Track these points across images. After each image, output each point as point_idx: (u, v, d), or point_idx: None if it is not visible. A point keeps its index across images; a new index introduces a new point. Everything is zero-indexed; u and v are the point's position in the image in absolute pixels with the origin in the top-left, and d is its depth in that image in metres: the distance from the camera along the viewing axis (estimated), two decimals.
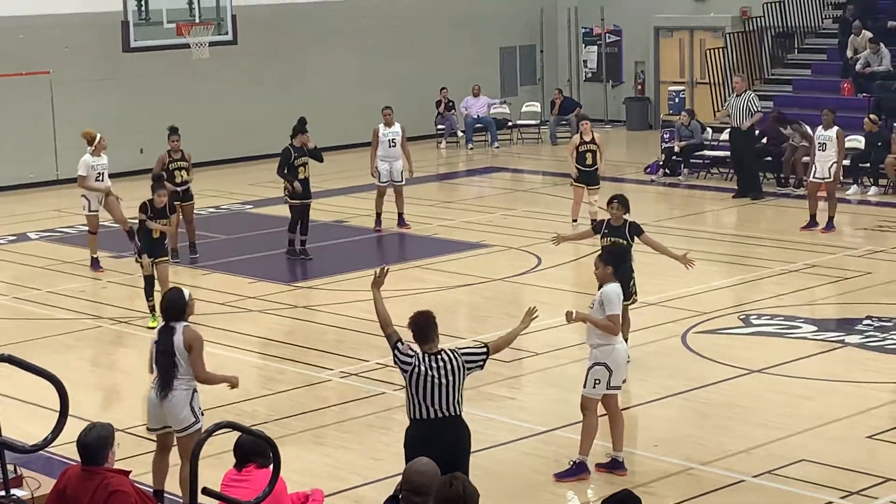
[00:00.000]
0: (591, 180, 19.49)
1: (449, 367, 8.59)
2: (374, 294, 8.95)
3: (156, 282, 15.17)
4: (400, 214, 20.66)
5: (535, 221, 20.85)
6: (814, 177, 19.74)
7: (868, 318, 14.71)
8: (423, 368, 8.56)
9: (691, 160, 24.85)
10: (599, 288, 10.48)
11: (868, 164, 22.41)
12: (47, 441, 5.97)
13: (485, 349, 8.86)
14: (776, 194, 22.59)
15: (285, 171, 18.42)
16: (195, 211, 19.32)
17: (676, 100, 29.41)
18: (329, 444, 11.50)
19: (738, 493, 10.09)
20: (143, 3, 22.38)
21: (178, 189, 18.27)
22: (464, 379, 8.66)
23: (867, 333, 14.15)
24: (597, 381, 10.35)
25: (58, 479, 6.85)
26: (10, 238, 21.08)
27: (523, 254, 18.64)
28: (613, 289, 10.37)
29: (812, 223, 19.61)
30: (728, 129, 23.54)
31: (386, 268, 9.13)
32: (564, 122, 29.87)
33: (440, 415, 8.58)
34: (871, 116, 22.75)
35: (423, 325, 8.68)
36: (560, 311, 13.20)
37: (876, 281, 16.44)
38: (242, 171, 27.06)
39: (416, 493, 5.80)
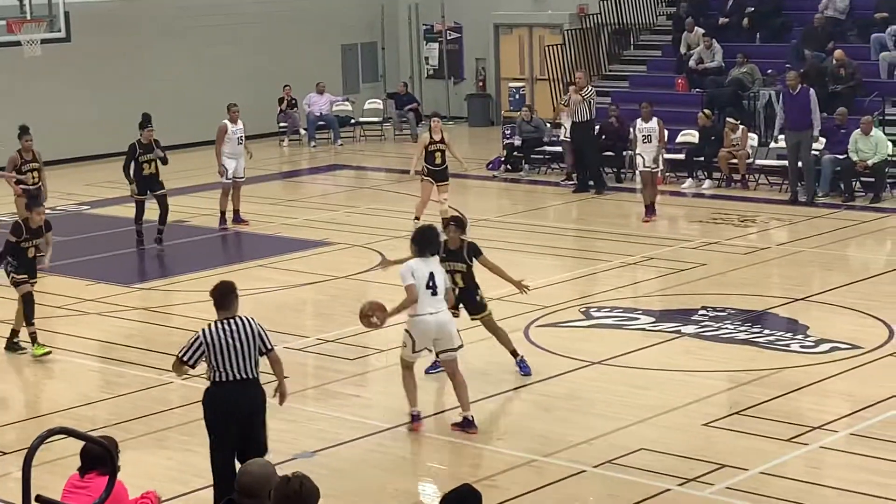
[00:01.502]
0: (441, 177, 19.58)
1: (242, 331, 9.23)
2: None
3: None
4: (237, 211, 20.60)
5: (379, 219, 20.88)
6: (643, 166, 20.36)
7: (703, 308, 15.08)
8: (212, 335, 9.21)
9: (532, 156, 25.14)
10: None
11: (702, 158, 22.97)
12: None
13: (271, 349, 9.45)
14: (615, 188, 22.98)
15: (130, 168, 18.92)
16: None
17: (517, 96, 29.76)
18: (172, 446, 11.36)
19: (580, 482, 10.26)
20: None
21: (31, 188, 18.05)
22: (256, 346, 9.25)
23: (703, 324, 14.50)
24: (404, 344, 11.33)
25: None
26: None
27: (367, 251, 18.65)
28: (403, 266, 11.33)
29: (650, 212, 20.27)
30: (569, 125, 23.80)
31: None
32: (404, 119, 30.05)
33: (236, 377, 9.20)
34: (705, 111, 23.33)
35: (223, 293, 9.41)
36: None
37: (711, 272, 16.86)
38: (79, 171, 26.52)
39: (248, 496, 5.74)
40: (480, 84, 31.97)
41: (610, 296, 15.87)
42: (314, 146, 29.29)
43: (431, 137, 19.61)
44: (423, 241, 11.39)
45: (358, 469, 10.73)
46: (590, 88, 22.99)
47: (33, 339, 13.95)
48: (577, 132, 22.99)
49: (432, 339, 11.23)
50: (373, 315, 11.23)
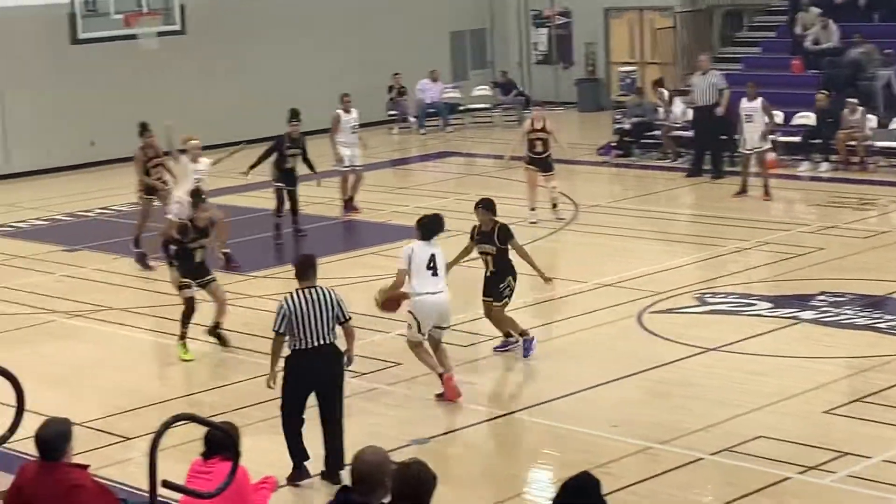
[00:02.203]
0: (544, 166, 19.48)
1: (322, 299, 9.88)
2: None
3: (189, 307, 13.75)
4: (350, 199, 20.77)
5: None
6: (744, 148, 20.58)
7: (822, 293, 14.82)
8: (294, 303, 9.85)
9: (642, 140, 24.92)
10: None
11: (819, 140, 22.58)
12: (4, 437, 5.91)
13: (348, 319, 10.09)
14: (728, 172, 22.64)
15: (267, 158, 19.00)
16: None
17: (627, 80, 29.52)
18: None
19: (697, 470, 10.15)
20: None
21: (157, 184, 18.31)
22: (334, 315, 9.88)
23: (821, 309, 14.25)
24: (409, 325, 11.86)
25: (16, 475, 6.80)
26: None
27: None
28: (405, 247, 11.86)
29: (743, 192, 20.55)
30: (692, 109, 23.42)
31: None
32: (510, 106, 30.04)
33: (314, 343, 9.83)
34: (823, 92, 22.92)
35: (305, 264, 10.14)
36: (516, 294, 13.27)
37: (829, 256, 16.56)
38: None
39: (362, 482, 5.76)
40: (590, 69, 31.77)
41: (725, 281, 15.67)
42: (424, 133, 29.38)
43: (532, 126, 19.55)
44: (427, 227, 11.86)
45: (472, 455, 10.74)
46: (714, 72, 22.70)
47: (182, 337, 13.64)
48: (699, 116, 22.67)
49: (435, 317, 11.75)
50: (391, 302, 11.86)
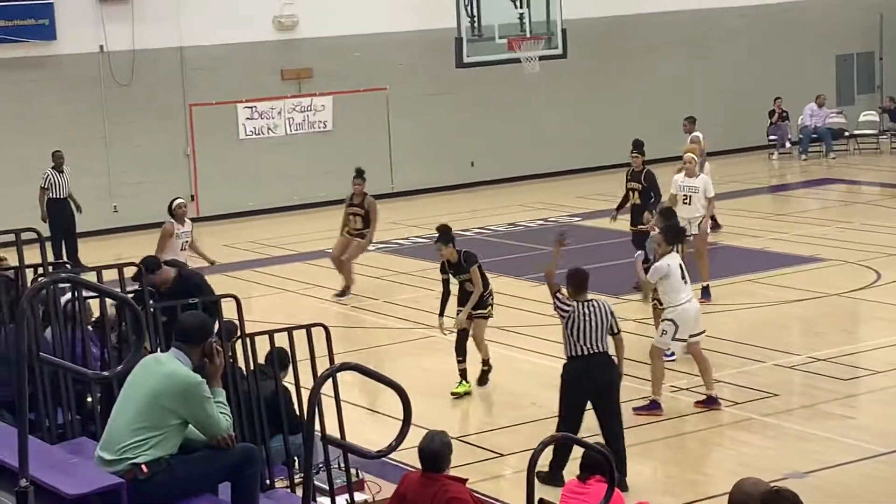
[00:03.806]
0: None
1: (597, 311, 10.56)
2: (554, 250, 11.60)
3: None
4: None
5: (874, 235, 20.06)
6: None
7: None
8: (577, 314, 10.51)
9: None
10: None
11: None
12: (392, 448, 6.13)
13: (618, 332, 10.75)
14: None
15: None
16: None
17: None
18: (659, 458, 11.39)
19: None
20: (475, 19, 22.78)
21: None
22: (608, 325, 10.57)
23: None
24: (664, 332, 12.21)
25: (398, 484, 7.07)
26: None
27: (861, 268, 17.95)
28: (660, 263, 12.34)
29: None
30: None
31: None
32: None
33: (590, 351, 10.48)
34: None
35: (581, 278, 10.77)
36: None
37: None
38: (570, 183, 27.22)
39: None
40: None
41: None
42: (805, 159, 28.59)
43: None
44: (674, 233, 12.74)
45: (855, 494, 10.29)
46: None
47: (463, 375, 13.38)
48: None
49: (693, 323, 12.22)
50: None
